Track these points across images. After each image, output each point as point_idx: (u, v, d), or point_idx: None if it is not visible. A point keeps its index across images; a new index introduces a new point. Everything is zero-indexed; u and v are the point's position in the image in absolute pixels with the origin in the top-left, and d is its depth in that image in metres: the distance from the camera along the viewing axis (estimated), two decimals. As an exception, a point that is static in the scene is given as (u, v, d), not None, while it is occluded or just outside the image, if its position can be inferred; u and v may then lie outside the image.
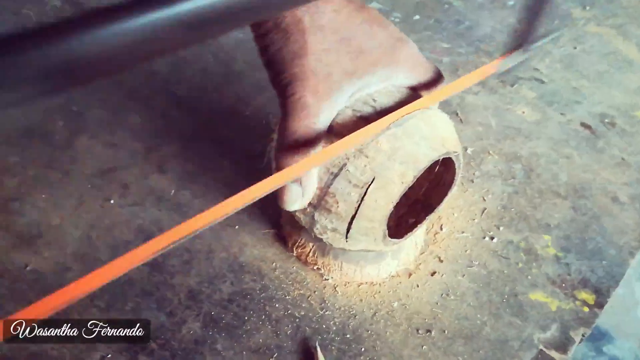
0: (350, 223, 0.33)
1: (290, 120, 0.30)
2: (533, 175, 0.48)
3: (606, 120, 0.54)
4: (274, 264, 0.40)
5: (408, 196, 0.37)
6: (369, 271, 0.39)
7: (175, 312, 0.38)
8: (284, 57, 0.30)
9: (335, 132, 0.32)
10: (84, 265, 0.40)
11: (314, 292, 0.39)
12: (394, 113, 0.30)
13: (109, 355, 0.35)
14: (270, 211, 0.42)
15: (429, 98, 0.33)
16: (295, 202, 0.32)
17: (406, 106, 0.31)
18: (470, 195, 0.46)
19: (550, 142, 0.51)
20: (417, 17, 0.65)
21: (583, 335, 0.38)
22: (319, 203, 0.33)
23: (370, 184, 0.32)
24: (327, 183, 0.32)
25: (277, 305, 0.38)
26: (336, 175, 0.32)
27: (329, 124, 0.32)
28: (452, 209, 0.45)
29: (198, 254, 0.41)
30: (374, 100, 0.32)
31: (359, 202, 0.32)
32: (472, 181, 0.47)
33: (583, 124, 0.53)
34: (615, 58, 0.61)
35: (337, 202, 0.32)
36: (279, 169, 0.30)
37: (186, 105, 0.52)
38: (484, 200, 0.46)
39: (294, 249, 0.40)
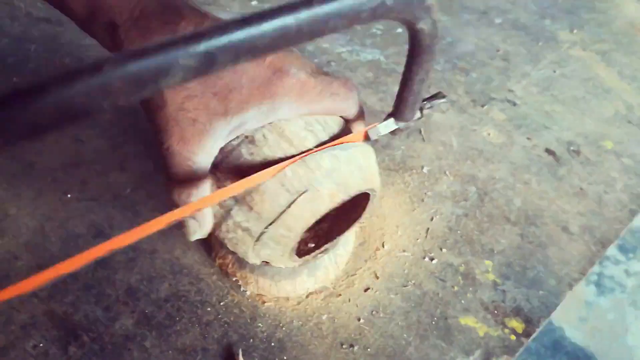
0: (268, 226, 0.33)
1: (169, 166, 0.31)
2: (486, 199, 0.48)
3: (572, 148, 0.53)
4: (213, 269, 0.42)
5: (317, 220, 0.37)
6: (284, 286, 0.40)
7: (112, 307, 0.39)
8: (149, 109, 0.31)
9: (224, 169, 0.32)
10: (33, 256, 0.41)
11: (248, 299, 0.40)
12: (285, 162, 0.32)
13: (41, 345, 0.37)
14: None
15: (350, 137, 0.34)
16: (195, 233, 0.33)
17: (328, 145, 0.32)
18: (418, 214, 0.46)
19: (511, 166, 0.51)
20: (399, 29, 0.65)
21: (505, 364, 0.38)
22: (243, 198, 0.33)
23: (302, 194, 0.32)
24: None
25: (209, 309, 0.39)
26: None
27: (210, 163, 0.32)
28: (397, 227, 0.45)
29: (143, 253, 0.42)
30: (264, 137, 0.32)
31: (286, 207, 0.32)
32: (423, 200, 0.47)
33: (547, 150, 0.53)
34: (594, 84, 0.61)
35: (263, 201, 0.32)
36: (172, 204, 0.31)
37: (157, 105, 0.53)
38: (431, 220, 0.46)
39: (216, 259, 0.41)
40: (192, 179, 0.30)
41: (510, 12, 0.70)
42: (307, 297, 0.41)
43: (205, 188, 0.32)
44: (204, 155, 0.30)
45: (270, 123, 0.32)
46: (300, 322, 0.39)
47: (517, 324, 0.40)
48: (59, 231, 0.43)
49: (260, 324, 0.39)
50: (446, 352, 0.38)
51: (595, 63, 0.64)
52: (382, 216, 0.46)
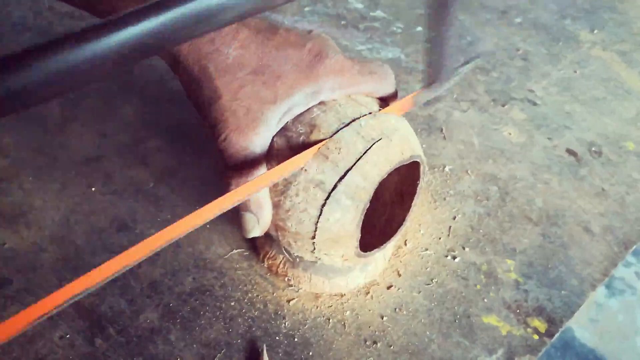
0: (343, 176, 0.33)
1: (227, 156, 0.32)
2: (508, 199, 0.48)
3: (593, 149, 0.53)
4: (237, 264, 0.42)
5: (376, 210, 0.38)
6: (338, 282, 0.40)
7: (136, 300, 0.39)
8: (202, 104, 0.32)
9: (277, 155, 0.33)
10: (58, 248, 0.42)
11: (273, 294, 0.40)
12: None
13: (68, 336, 0.37)
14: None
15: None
16: (253, 229, 0.34)
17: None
18: (440, 213, 0.46)
19: (532, 166, 0.51)
20: (419, 28, 0.65)
21: (528, 363, 0.38)
22: (317, 150, 0.33)
23: (377, 141, 0.33)
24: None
25: (232, 304, 0.40)
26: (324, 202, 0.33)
27: (266, 151, 0.33)
28: (419, 225, 0.45)
29: (166, 246, 0.42)
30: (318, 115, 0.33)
31: (362, 154, 0.33)
32: (445, 199, 0.47)
33: (568, 150, 0.53)
34: (615, 85, 0.60)
35: (340, 149, 0.32)
36: (227, 192, 0.31)
37: (178, 99, 0.53)
38: (454, 219, 0.46)
39: (265, 260, 0.41)
40: (250, 167, 0.31)
41: (530, 11, 0.70)
42: (334, 294, 0.41)
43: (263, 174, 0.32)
44: (260, 142, 0.31)
45: (323, 104, 0.33)
46: (324, 319, 0.39)
47: (539, 324, 0.40)
48: (83, 224, 0.44)
49: (284, 320, 0.39)
50: (469, 350, 0.39)
51: (615, 63, 0.63)
52: (403, 214, 0.46)
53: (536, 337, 0.40)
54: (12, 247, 0.41)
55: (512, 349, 0.39)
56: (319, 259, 0.36)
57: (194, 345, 0.37)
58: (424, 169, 0.37)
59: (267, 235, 0.37)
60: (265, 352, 0.37)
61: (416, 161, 0.35)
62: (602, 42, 0.66)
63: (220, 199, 0.28)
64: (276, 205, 0.34)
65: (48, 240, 0.42)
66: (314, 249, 0.34)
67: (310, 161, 0.32)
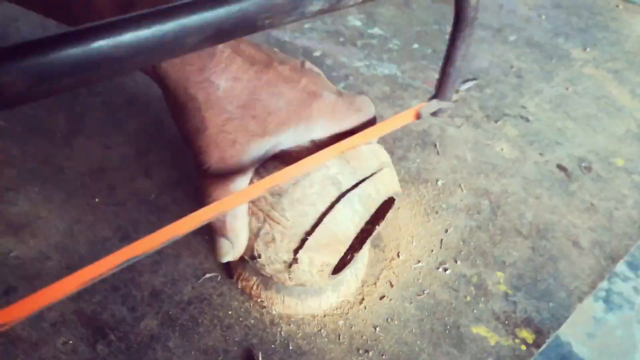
0: (361, 182, 0.34)
1: (206, 187, 0.32)
2: (499, 213, 0.50)
3: (583, 165, 0.55)
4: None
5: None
6: (310, 304, 0.41)
7: (137, 308, 0.41)
8: (188, 132, 0.32)
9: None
10: (62, 257, 0.43)
11: (265, 305, 0.42)
12: (328, 148, 0.32)
13: (71, 342, 0.39)
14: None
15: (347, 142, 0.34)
16: (227, 254, 0.34)
17: (339, 143, 0.33)
18: (432, 226, 0.48)
19: (523, 181, 0.53)
20: (416, 45, 0.67)
21: (516, 373, 0.39)
22: (342, 154, 0.33)
23: (384, 168, 0.36)
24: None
25: (230, 313, 0.41)
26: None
27: (247, 182, 0.33)
28: (411, 238, 0.47)
29: (167, 256, 0.44)
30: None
31: (377, 170, 0.35)
32: (437, 212, 0.49)
33: (559, 166, 0.54)
34: (606, 102, 0.62)
35: (359, 159, 0.34)
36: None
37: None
38: (446, 232, 0.47)
39: (239, 281, 0.42)
40: (228, 196, 0.32)
41: (524, 29, 0.72)
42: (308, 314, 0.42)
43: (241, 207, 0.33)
44: (241, 175, 0.32)
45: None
46: (318, 328, 0.41)
47: (527, 335, 0.41)
48: (87, 234, 0.45)
49: (279, 328, 0.40)
50: (458, 359, 0.40)
51: (607, 81, 0.65)
52: (397, 227, 0.47)
53: (524, 347, 0.41)
54: (18, 255, 0.43)
55: (500, 359, 0.40)
56: (296, 262, 0.35)
57: (192, 352, 0.39)
58: (396, 204, 0.39)
59: (241, 258, 0.37)
60: (261, 359, 0.38)
61: (393, 197, 0.37)
62: (594, 60, 0.68)
63: (197, 212, 0.28)
64: (281, 194, 0.33)
65: (53, 249, 0.44)
66: (300, 247, 0.34)
67: (333, 160, 0.33)
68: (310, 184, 0.33)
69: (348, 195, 0.33)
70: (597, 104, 0.62)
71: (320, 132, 0.33)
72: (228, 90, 0.31)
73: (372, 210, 0.34)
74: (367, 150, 0.34)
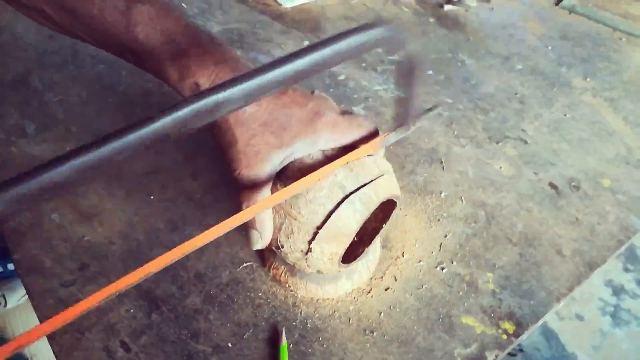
0: (362, 186, 0.41)
1: (239, 187, 0.40)
2: (493, 222, 0.57)
3: (573, 183, 0.62)
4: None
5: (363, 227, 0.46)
6: (328, 289, 0.49)
7: (184, 286, 0.50)
8: (223, 145, 0.41)
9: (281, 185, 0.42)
10: (124, 242, 0.53)
11: (291, 289, 0.50)
12: (335, 161, 0.41)
13: (131, 310, 0.48)
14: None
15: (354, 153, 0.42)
16: (257, 243, 0.42)
17: (344, 157, 0.41)
18: (434, 231, 0.56)
19: (517, 196, 0.60)
20: (430, 72, 0.75)
21: (496, 356, 0.47)
22: (346, 163, 0.40)
23: (383, 175, 0.43)
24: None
25: (260, 294, 0.50)
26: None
27: (270, 183, 0.41)
28: (415, 240, 0.55)
29: (209, 245, 0.52)
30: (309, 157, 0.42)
31: (377, 177, 0.42)
32: (439, 220, 0.57)
33: (551, 184, 0.62)
34: (600, 127, 0.69)
35: (363, 166, 0.41)
36: (240, 211, 0.39)
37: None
38: (445, 237, 0.55)
39: (270, 269, 0.51)
40: (256, 194, 0.40)
41: (530, 58, 0.79)
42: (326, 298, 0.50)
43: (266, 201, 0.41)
44: (264, 177, 0.41)
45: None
46: (332, 311, 0.49)
47: (509, 326, 0.49)
48: (144, 224, 0.54)
49: (300, 309, 0.49)
50: (448, 343, 0.47)
51: (603, 108, 0.72)
52: (403, 231, 0.55)
53: (505, 336, 0.48)
54: (90, 239, 0.52)
55: (484, 345, 0.48)
56: (310, 251, 0.42)
57: (228, 325, 0.47)
58: (398, 206, 0.46)
59: (270, 249, 0.46)
60: (284, 334, 0.47)
61: (393, 200, 0.45)
62: (593, 89, 0.75)
63: (234, 216, 0.37)
64: (297, 196, 0.41)
65: (117, 235, 0.53)
66: (313, 238, 0.41)
67: (340, 169, 0.41)
68: (321, 188, 0.41)
69: (351, 197, 0.41)
70: (592, 128, 0.69)
71: (324, 143, 0.42)
72: (252, 112, 0.40)
73: (372, 209, 0.42)
74: (370, 160, 0.42)
